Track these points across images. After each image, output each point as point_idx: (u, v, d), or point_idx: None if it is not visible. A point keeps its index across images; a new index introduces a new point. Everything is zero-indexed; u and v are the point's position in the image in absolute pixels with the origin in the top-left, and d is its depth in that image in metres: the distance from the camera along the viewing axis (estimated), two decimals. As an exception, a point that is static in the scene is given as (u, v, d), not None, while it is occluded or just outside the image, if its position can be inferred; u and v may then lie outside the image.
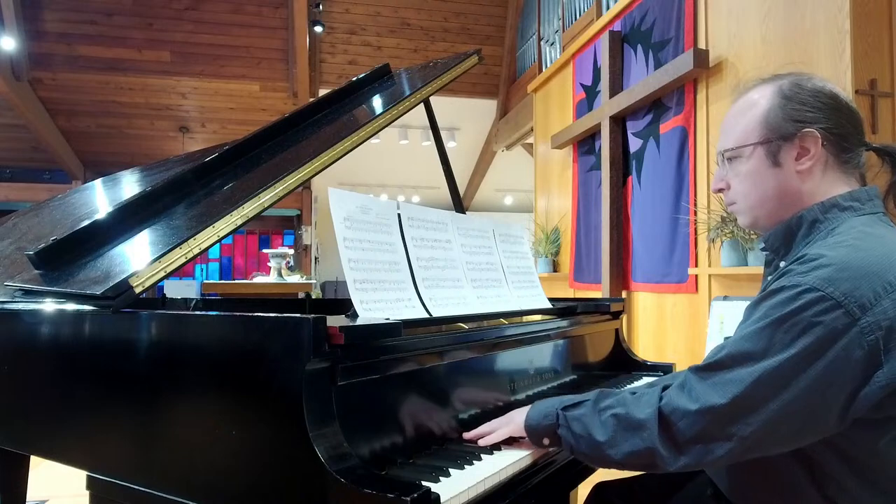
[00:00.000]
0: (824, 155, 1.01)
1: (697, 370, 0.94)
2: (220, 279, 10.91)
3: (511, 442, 1.15)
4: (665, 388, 0.98)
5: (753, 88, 1.08)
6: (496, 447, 1.12)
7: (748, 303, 0.98)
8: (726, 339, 1.39)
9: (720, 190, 1.13)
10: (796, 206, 1.02)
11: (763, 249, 1.11)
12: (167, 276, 1.16)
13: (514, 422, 1.14)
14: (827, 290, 0.85)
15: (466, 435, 1.18)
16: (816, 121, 1.00)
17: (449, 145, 6.94)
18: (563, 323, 1.68)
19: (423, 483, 0.84)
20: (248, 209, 1.27)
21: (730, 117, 1.10)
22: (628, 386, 1.66)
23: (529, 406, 1.14)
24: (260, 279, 5.77)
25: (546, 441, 1.09)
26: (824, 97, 1.01)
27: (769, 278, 1.08)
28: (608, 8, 4.62)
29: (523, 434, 1.12)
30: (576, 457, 1.08)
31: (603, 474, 1.41)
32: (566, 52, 5.09)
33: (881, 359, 0.84)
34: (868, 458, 0.90)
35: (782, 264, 1.03)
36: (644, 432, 0.95)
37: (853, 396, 0.85)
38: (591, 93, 4.57)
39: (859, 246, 0.91)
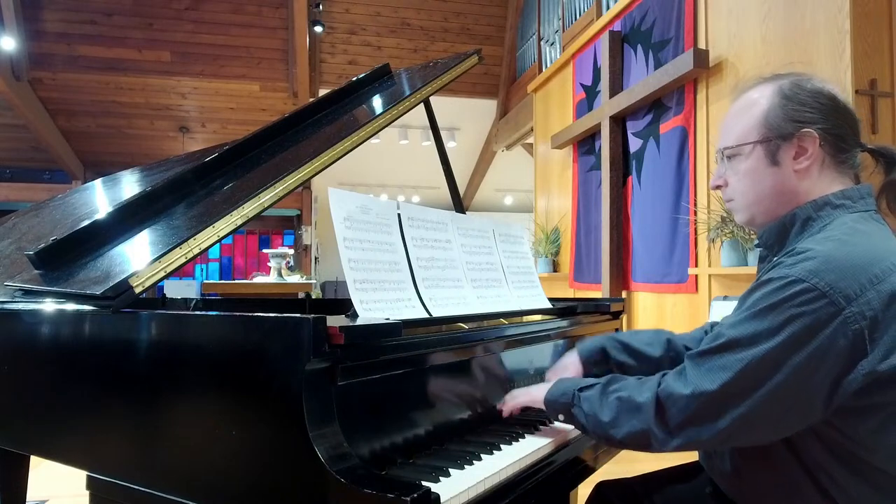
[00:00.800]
0: (821, 155, 1.03)
1: (694, 356, 0.98)
2: (220, 279, 10.91)
3: (513, 439, 1.18)
4: (664, 374, 1.02)
5: (754, 88, 1.09)
6: (496, 447, 1.12)
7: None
8: (713, 324, 1.41)
9: (718, 187, 1.15)
10: (792, 205, 1.05)
11: (758, 246, 1.14)
12: (167, 276, 1.16)
13: (532, 394, 1.24)
14: (812, 280, 0.88)
15: (499, 406, 1.30)
16: (815, 121, 1.02)
17: (449, 145, 6.94)
18: (563, 323, 1.68)
19: (423, 483, 0.84)
20: (248, 209, 1.27)
21: (730, 116, 1.12)
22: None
23: (551, 382, 1.20)
24: (260, 279, 5.77)
25: (561, 417, 1.15)
26: (823, 98, 1.03)
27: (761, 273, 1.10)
28: (608, 8, 4.62)
29: (540, 406, 1.19)
30: (589, 435, 1.14)
31: (603, 474, 1.41)
32: (566, 52, 5.09)
33: (866, 348, 0.87)
34: (853, 447, 0.93)
35: (775, 260, 1.05)
36: (641, 414, 0.99)
37: (837, 383, 0.88)
38: (591, 93, 4.57)
39: (847, 241, 0.94)
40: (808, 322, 0.87)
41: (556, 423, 1.25)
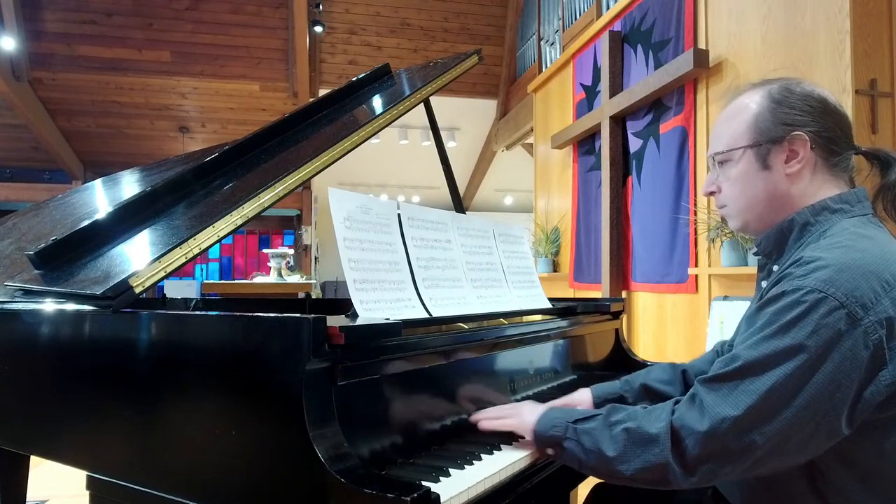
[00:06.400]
0: (813, 158, 1.02)
1: (707, 382, 0.93)
2: (220, 279, 10.90)
3: (512, 439, 1.16)
4: (677, 402, 0.96)
5: (744, 93, 1.09)
6: (496, 447, 1.12)
7: (748, 304, 0.98)
8: (723, 343, 1.39)
9: (712, 193, 1.14)
10: (786, 209, 1.03)
11: (756, 254, 1.12)
12: (167, 276, 1.16)
13: (520, 416, 1.14)
14: (829, 291, 0.85)
15: (473, 417, 1.21)
16: (805, 124, 1.01)
17: (449, 145, 6.94)
18: (563, 323, 1.68)
19: (423, 483, 0.84)
20: (248, 209, 1.27)
21: (720, 121, 1.11)
22: None
23: (541, 407, 1.13)
24: (260, 279, 5.76)
25: (550, 451, 1.08)
26: (813, 101, 1.02)
27: (764, 283, 1.09)
28: (608, 8, 4.62)
29: (527, 435, 1.11)
30: (583, 471, 1.05)
31: (603, 474, 1.40)
32: (566, 52, 5.08)
33: (885, 358, 0.84)
34: (872, 462, 0.90)
35: (775, 268, 1.03)
36: (656, 447, 0.92)
37: (859, 397, 0.85)
38: (591, 93, 4.57)
39: (854, 246, 0.92)
40: (829, 335, 0.84)
41: None
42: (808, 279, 0.88)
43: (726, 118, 1.09)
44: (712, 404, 0.89)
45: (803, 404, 0.84)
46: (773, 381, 0.86)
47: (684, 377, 1.37)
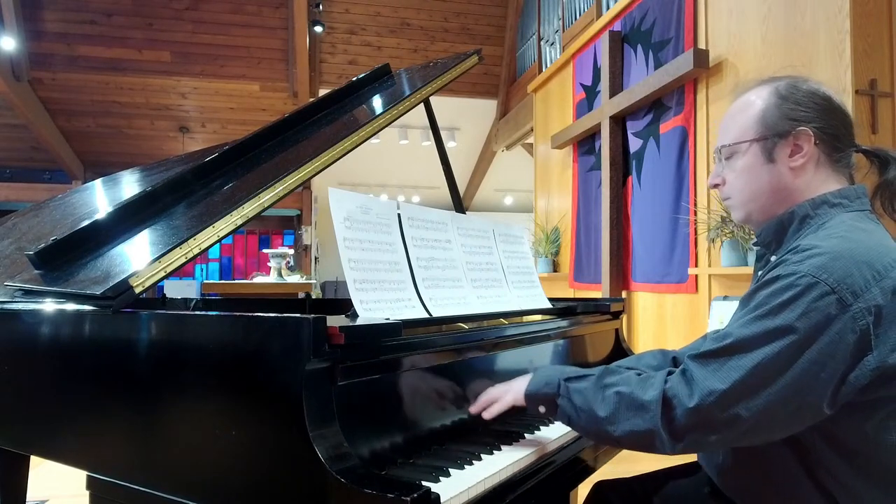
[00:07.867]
0: (817, 153, 1.05)
1: (698, 357, 0.96)
2: (220, 279, 10.91)
3: (512, 440, 1.16)
4: (670, 373, 0.99)
5: (751, 89, 1.12)
6: (496, 447, 1.12)
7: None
8: (716, 331, 1.40)
9: (717, 185, 1.17)
10: (788, 202, 1.07)
11: (755, 244, 1.15)
12: (167, 276, 1.16)
13: (514, 390, 1.15)
14: (821, 276, 0.89)
15: (473, 409, 1.20)
16: (810, 120, 1.04)
17: (449, 145, 6.94)
18: (563, 323, 1.68)
19: (423, 483, 0.84)
20: (248, 209, 1.27)
21: (728, 116, 1.14)
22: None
23: (531, 373, 1.15)
24: (260, 279, 5.77)
25: (542, 409, 1.10)
26: (819, 98, 1.05)
27: (760, 272, 1.10)
28: (608, 8, 4.62)
29: (523, 403, 1.13)
30: (573, 429, 1.08)
31: (603, 474, 1.41)
32: (566, 52, 5.09)
33: (871, 343, 0.87)
34: (857, 443, 0.93)
35: (773, 258, 1.06)
36: (647, 414, 0.96)
37: (843, 379, 0.88)
38: (591, 93, 4.57)
39: (849, 237, 0.95)
40: (818, 319, 0.87)
41: (556, 423, 1.25)
42: (803, 265, 0.91)
43: (734, 113, 1.12)
44: (701, 378, 0.93)
45: (788, 383, 0.88)
46: (760, 358, 0.89)
47: (675, 363, 1.38)
